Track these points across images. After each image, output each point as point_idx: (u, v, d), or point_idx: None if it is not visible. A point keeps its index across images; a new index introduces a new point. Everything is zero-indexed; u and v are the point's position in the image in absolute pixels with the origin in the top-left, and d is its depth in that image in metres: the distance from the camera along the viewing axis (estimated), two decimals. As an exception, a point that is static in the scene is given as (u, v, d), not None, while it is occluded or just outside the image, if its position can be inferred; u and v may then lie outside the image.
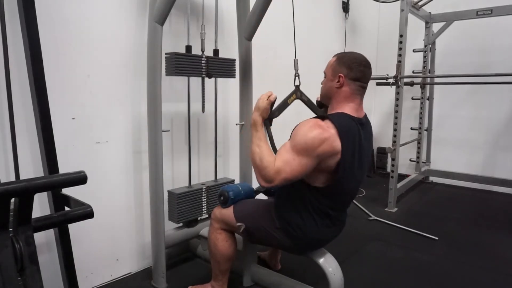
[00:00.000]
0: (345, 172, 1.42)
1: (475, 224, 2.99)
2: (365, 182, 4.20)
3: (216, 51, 2.21)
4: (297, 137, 1.39)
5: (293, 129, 1.44)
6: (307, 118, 1.45)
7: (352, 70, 1.45)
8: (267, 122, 1.56)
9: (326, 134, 1.35)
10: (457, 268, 2.23)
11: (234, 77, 2.20)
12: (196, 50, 2.08)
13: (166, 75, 1.93)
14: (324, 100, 1.59)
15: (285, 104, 1.60)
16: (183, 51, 2.10)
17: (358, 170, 1.47)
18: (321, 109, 1.68)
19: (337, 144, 1.36)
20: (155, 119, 1.81)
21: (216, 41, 2.21)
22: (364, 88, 1.49)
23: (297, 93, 1.63)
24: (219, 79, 2.27)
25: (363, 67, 1.46)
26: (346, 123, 1.40)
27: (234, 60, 2.19)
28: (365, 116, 1.54)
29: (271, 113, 1.56)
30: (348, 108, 1.46)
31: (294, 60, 1.67)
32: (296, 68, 1.65)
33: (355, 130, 1.42)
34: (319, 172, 1.43)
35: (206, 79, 2.11)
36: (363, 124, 1.48)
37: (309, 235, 1.54)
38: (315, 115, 1.54)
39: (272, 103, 1.54)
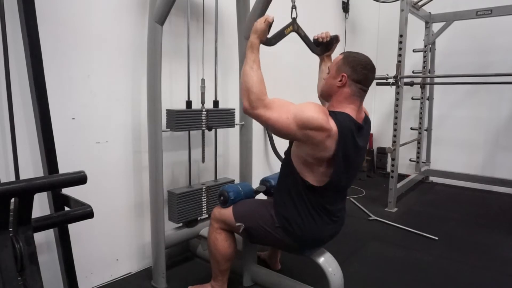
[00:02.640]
0: (339, 171, 1.43)
1: (475, 224, 2.99)
2: (364, 181, 4.21)
3: (216, 103, 2.23)
4: (304, 107, 1.35)
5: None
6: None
7: (355, 72, 1.43)
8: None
9: (328, 126, 1.33)
10: (457, 268, 2.23)
11: (234, 127, 2.23)
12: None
13: (167, 128, 1.95)
14: (324, 96, 1.57)
15: (281, 34, 1.56)
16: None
17: (351, 169, 1.50)
18: (317, 48, 1.66)
19: (332, 142, 1.36)
20: (155, 119, 1.81)
21: (216, 41, 2.21)
22: (364, 92, 1.48)
23: (294, 26, 1.61)
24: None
25: (367, 71, 1.44)
26: (346, 125, 1.39)
27: (233, 110, 2.21)
28: (365, 117, 1.54)
29: (267, 40, 1.49)
30: (349, 110, 1.45)
31: None
32: (293, 1, 1.64)
33: (353, 132, 1.41)
34: (313, 168, 1.44)
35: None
36: (361, 128, 1.48)
37: (308, 233, 1.54)
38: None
39: (270, 25, 1.47)
